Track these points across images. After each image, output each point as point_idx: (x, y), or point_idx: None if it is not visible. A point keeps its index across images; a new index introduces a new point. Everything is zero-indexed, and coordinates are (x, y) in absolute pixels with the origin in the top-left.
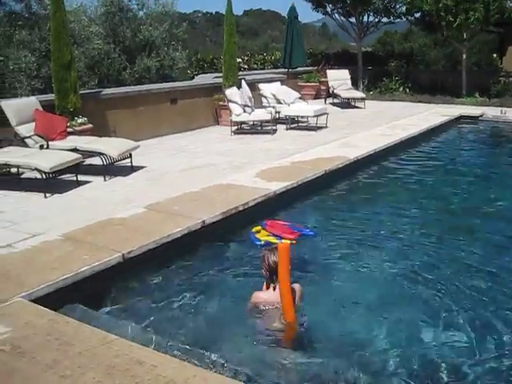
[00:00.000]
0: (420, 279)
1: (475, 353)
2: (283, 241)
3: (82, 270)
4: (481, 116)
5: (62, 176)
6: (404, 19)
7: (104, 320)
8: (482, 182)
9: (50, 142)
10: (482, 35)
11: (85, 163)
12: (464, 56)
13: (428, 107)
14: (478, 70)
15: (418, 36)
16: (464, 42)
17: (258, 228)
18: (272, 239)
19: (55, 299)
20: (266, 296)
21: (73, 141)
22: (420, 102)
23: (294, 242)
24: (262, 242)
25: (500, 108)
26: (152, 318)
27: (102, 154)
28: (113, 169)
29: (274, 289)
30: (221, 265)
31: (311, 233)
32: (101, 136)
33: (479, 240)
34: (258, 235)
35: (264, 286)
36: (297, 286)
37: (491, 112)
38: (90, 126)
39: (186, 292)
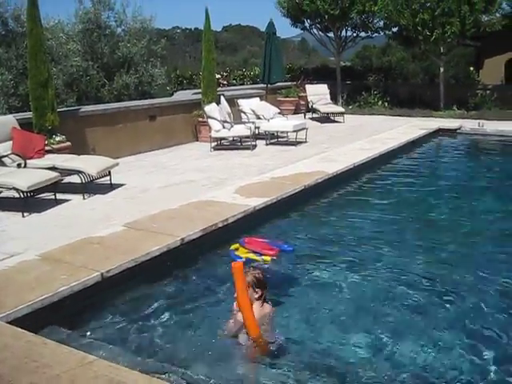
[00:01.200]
0: (396, 294)
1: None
2: (263, 257)
3: (61, 290)
4: (459, 129)
5: (40, 195)
6: (382, 34)
7: (83, 341)
8: (457, 195)
9: (27, 161)
10: (459, 49)
11: (63, 181)
12: (441, 69)
13: (407, 120)
14: (456, 83)
15: (395, 50)
16: (441, 55)
17: (236, 246)
18: (252, 256)
19: (33, 320)
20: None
21: (51, 159)
22: (399, 115)
23: (274, 257)
24: (244, 259)
25: (478, 120)
26: (131, 338)
27: (81, 172)
28: (92, 187)
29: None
30: (200, 282)
31: (290, 248)
32: (79, 154)
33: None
34: (237, 253)
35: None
36: (267, 306)
37: (469, 125)
38: (69, 143)
39: (166, 311)
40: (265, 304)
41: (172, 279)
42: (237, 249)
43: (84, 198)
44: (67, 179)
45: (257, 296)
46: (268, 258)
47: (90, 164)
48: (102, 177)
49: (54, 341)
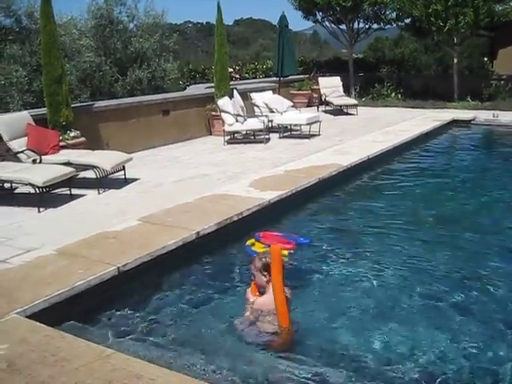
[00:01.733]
0: (414, 289)
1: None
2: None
3: (77, 284)
4: (473, 120)
5: (56, 190)
6: (394, 25)
7: (100, 334)
8: (473, 187)
9: (42, 157)
10: (473, 39)
11: (78, 177)
12: (455, 60)
13: (420, 112)
14: (470, 74)
15: (408, 41)
16: (455, 46)
17: (252, 241)
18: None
19: (51, 314)
20: (262, 300)
21: (66, 154)
22: (412, 107)
23: (291, 251)
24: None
25: (492, 111)
26: (148, 331)
27: (95, 167)
28: (106, 182)
29: (263, 294)
30: (217, 275)
31: (306, 241)
32: (94, 149)
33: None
34: (253, 248)
35: (249, 292)
36: (287, 291)
37: (483, 116)
38: (83, 139)
39: (183, 304)
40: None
41: (188, 273)
42: (253, 244)
43: (99, 193)
44: (82, 174)
45: (266, 280)
46: (285, 252)
47: (105, 159)
48: (117, 171)
49: (71, 334)
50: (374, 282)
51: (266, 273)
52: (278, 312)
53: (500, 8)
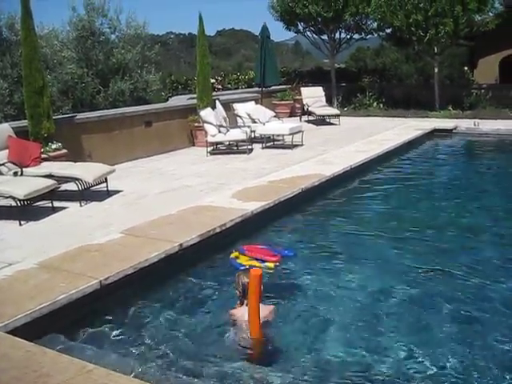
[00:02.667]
0: (394, 300)
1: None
2: (266, 264)
3: (59, 298)
4: (454, 129)
5: (37, 203)
6: (375, 35)
7: (82, 349)
8: (453, 196)
9: (24, 169)
10: (453, 49)
11: (60, 189)
12: (436, 70)
13: (402, 121)
14: (451, 83)
15: (389, 51)
16: (435, 56)
17: (236, 254)
18: (255, 263)
19: (32, 329)
20: (240, 313)
21: (47, 167)
22: (394, 116)
23: (277, 264)
24: (247, 267)
25: (473, 120)
26: (131, 346)
27: (78, 179)
28: (88, 194)
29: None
30: (199, 287)
31: (291, 254)
32: (76, 161)
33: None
34: (239, 261)
35: (237, 304)
36: (270, 308)
37: (464, 124)
38: (65, 151)
39: (167, 316)
40: (261, 305)
41: (171, 285)
42: (237, 257)
43: (81, 206)
44: (64, 187)
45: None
46: (271, 265)
47: (87, 171)
48: (99, 184)
49: (53, 350)
50: (356, 295)
51: (242, 292)
52: (249, 325)
53: (479, 18)
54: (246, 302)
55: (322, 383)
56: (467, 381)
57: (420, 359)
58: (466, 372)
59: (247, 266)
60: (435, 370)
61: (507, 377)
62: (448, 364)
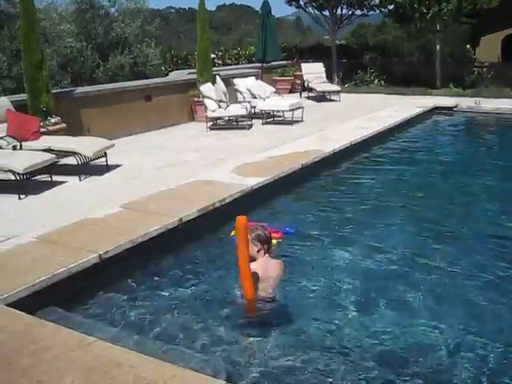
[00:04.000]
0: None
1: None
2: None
3: (59, 271)
4: (455, 107)
5: (36, 177)
6: (377, 11)
7: (81, 322)
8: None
9: (23, 143)
10: (455, 26)
11: (59, 163)
12: (438, 47)
13: (403, 99)
14: (452, 61)
15: (391, 28)
16: (437, 33)
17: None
18: None
19: (31, 302)
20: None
21: (46, 141)
22: (395, 93)
23: (280, 240)
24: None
25: (474, 98)
26: (130, 318)
27: (77, 153)
28: (88, 168)
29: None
30: (200, 262)
31: (292, 230)
32: (75, 135)
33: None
34: None
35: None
36: (277, 262)
37: (465, 102)
38: (64, 125)
39: (164, 290)
40: (270, 259)
41: (171, 260)
42: None
43: (80, 180)
44: (63, 161)
45: (257, 249)
46: (274, 242)
47: (86, 145)
48: (98, 158)
49: (52, 322)
50: (360, 265)
51: (258, 243)
52: (241, 285)
53: None
54: (262, 251)
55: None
56: None
57: None
58: None
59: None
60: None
61: None
62: None
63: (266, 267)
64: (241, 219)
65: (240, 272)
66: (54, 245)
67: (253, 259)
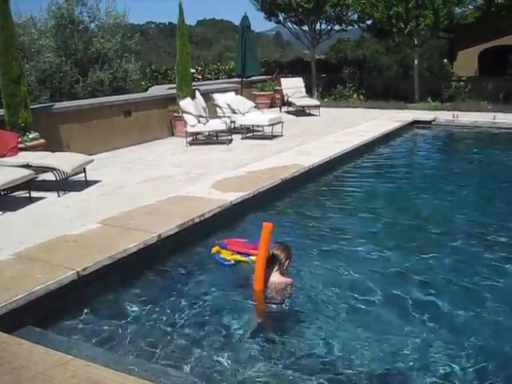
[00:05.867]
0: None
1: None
2: (250, 257)
3: (36, 289)
4: (433, 120)
5: (14, 193)
6: (356, 26)
7: (59, 340)
8: (430, 185)
9: (0, 159)
10: (433, 41)
11: (37, 179)
12: (416, 62)
13: (382, 113)
14: (430, 75)
15: (370, 43)
16: (415, 47)
17: (217, 248)
18: (239, 257)
19: (8, 321)
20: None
21: (24, 157)
22: (374, 107)
23: None
24: (232, 262)
25: (452, 112)
26: (108, 336)
27: (55, 169)
28: (66, 184)
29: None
30: (180, 277)
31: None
32: (54, 151)
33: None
34: (222, 255)
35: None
36: (283, 278)
37: (443, 116)
38: (42, 141)
39: (143, 307)
40: (282, 276)
41: (149, 276)
42: (219, 251)
43: (59, 196)
44: (41, 177)
45: (275, 268)
46: (254, 258)
47: (65, 161)
48: (77, 174)
49: (29, 341)
50: (335, 277)
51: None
52: (254, 277)
53: (459, 10)
54: (280, 269)
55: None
56: None
57: None
58: None
59: (232, 261)
60: None
61: None
62: None
63: (278, 279)
64: (266, 225)
65: (256, 268)
66: (32, 262)
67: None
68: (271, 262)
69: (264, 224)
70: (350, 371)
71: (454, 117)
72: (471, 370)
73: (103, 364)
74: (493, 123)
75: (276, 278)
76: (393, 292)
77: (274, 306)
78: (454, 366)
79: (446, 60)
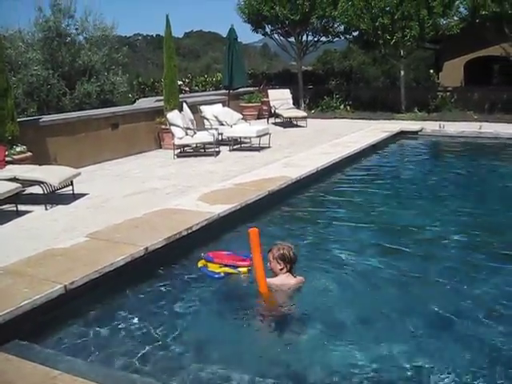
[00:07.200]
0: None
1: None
2: (239, 269)
3: (23, 304)
4: (420, 131)
5: (2, 207)
6: (342, 38)
7: (47, 355)
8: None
9: None
10: (419, 52)
11: (25, 192)
12: (402, 72)
13: (369, 124)
14: (417, 86)
15: (357, 54)
16: (401, 58)
17: (203, 262)
18: (228, 270)
19: None
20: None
21: (11, 170)
22: (361, 118)
23: (249, 267)
24: (222, 274)
25: (438, 122)
26: (96, 350)
27: (42, 182)
28: (54, 197)
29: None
30: (167, 291)
31: None
32: (41, 164)
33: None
34: (210, 268)
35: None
36: (291, 278)
37: (430, 126)
38: (30, 154)
39: (132, 320)
40: (290, 276)
41: (137, 289)
42: (205, 265)
43: (46, 209)
44: (29, 190)
45: (280, 267)
46: (245, 270)
47: (52, 174)
48: (65, 187)
49: (17, 356)
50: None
51: (281, 262)
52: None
53: (444, 22)
54: (285, 269)
55: None
56: None
57: None
58: None
59: (222, 274)
60: None
61: None
62: None
63: (282, 282)
64: (253, 231)
65: (255, 273)
66: (19, 276)
67: (275, 275)
68: (284, 262)
69: (250, 230)
70: None
71: (440, 127)
72: None
73: (91, 379)
74: (479, 133)
75: (289, 279)
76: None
77: (287, 308)
78: None
79: (432, 71)
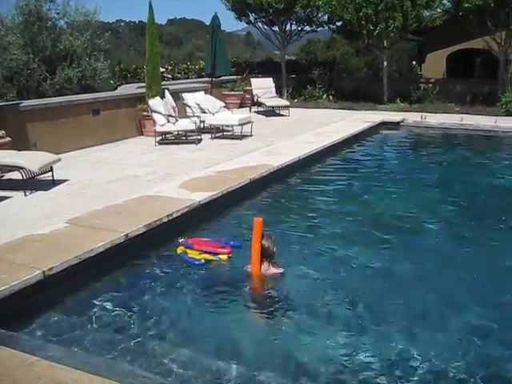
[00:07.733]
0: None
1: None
2: (219, 256)
3: (0, 289)
4: (402, 122)
5: None
6: (326, 28)
7: (24, 341)
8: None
9: None
10: (402, 43)
11: (3, 178)
12: (385, 63)
13: (351, 114)
14: (399, 77)
15: (340, 44)
16: (384, 49)
17: (182, 248)
18: (208, 256)
19: None
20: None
21: None
22: (343, 108)
23: (230, 255)
24: (203, 261)
25: (420, 113)
26: (76, 336)
27: (22, 168)
28: (33, 183)
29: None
30: (147, 277)
31: (238, 244)
32: (20, 149)
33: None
34: (190, 255)
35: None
36: (272, 269)
37: (412, 117)
38: (9, 139)
39: (110, 307)
40: (271, 267)
41: (117, 276)
42: (184, 251)
43: (25, 195)
44: (7, 176)
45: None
46: (225, 257)
47: (32, 160)
48: (44, 173)
49: None
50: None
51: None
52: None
53: (427, 14)
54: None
55: None
56: None
57: None
58: None
59: (202, 261)
60: None
61: None
62: None
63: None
64: (258, 220)
65: (252, 257)
66: None
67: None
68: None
69: (255, 219)
70: None
71: (422, 118)
72: None
73: (70, 365)
74: (460, 125)
75: (270, 269)
76: None
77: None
78: None
79: (414, 62)
